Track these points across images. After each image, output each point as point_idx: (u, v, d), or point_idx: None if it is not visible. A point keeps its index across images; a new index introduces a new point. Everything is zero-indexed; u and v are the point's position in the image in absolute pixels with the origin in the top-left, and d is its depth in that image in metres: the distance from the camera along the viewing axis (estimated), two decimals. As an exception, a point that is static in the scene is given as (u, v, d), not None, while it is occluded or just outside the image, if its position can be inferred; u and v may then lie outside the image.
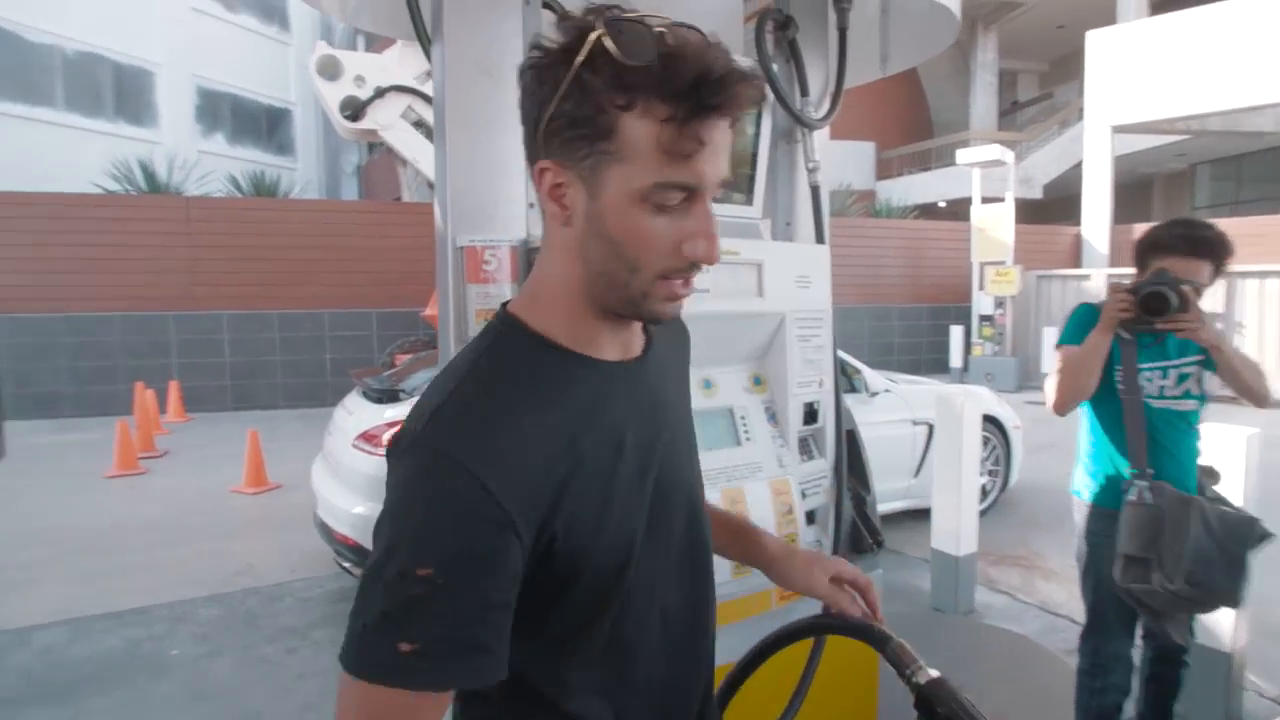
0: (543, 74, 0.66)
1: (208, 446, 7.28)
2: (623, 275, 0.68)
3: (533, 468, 0.66)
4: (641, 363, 0.80)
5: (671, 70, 0.61)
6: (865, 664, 1.90)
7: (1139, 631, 2.07)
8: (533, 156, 0.70)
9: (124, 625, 3.45)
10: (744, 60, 0.70)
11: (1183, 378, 1.92)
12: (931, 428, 4.67)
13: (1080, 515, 2.09)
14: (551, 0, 1.65)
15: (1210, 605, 1.93)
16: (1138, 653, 2.12)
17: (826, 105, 2.02)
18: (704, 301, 1.64)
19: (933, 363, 12.40)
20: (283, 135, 20.43)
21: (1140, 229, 12.39)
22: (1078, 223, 13.56)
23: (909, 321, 12.68)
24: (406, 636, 0.61)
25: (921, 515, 4.46)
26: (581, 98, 0.63)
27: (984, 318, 11.35)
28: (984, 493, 5.06)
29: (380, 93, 7.62)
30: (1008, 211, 11.01)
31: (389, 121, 7.78)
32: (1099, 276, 11.20)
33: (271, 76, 19.43)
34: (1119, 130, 12.64)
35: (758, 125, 1.86)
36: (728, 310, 1.68)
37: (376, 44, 11.28)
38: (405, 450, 0.66)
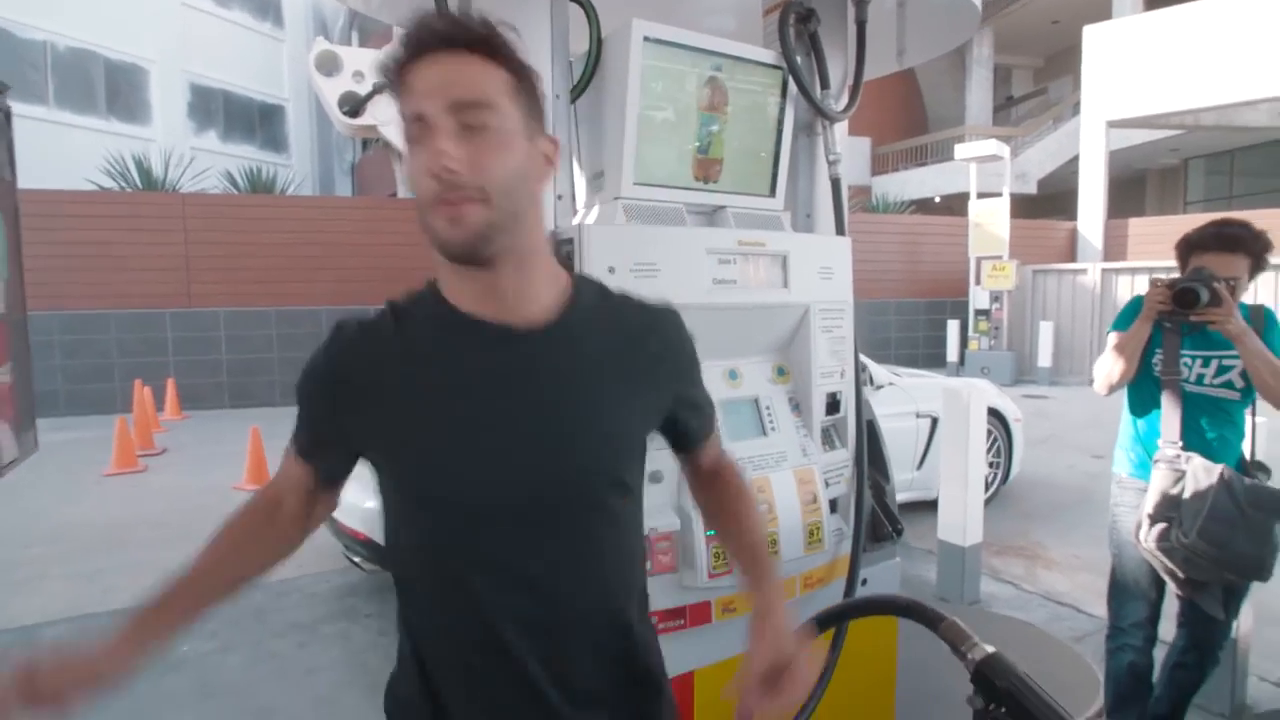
0: None
1: (206, 444, 7.25)
2: (419, 212, 0.77)
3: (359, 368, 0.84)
4: (532, 334, 0.83)
5: (404, 37, 0.77)
6: (885, 648, 1.92)
7: (1177, 620, 2.15)
8: None
9: (133, 622, 3.44)
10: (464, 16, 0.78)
11: (1224, 369, 1.99)
12: (935, 420, 4.70)
13: (1113, 489, 2.21)
14: (578, -7, 1.66)
15: (1234, 570, 1.94)
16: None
17: (846, 98, 2.03)
18: (731, 292, 1.66)
19: (929, 357, 12.46)
20: (276, 131, 20.29)
21: (1137, 223, 12.32)
22: (1072, 217, 13.63)
23: (906, 316, 12.73)
24: None
25: (924, 507, 4.49)
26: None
27: (980, 312, 11.41)
28: (986, 484, 5.10)
29: (380, 88, 7.58)
30: (1004, 206, 11.07)
31: (388, 117, 7.76)
32: (1094, 270, 11.27)
33: (264, 73, 19.30)
34: (1114, 125, 12.72)
35: (780, 117, 1.87)
36: (754, 301, 1.69)
37: (372, 39, 11.21)
38: None
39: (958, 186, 13.96)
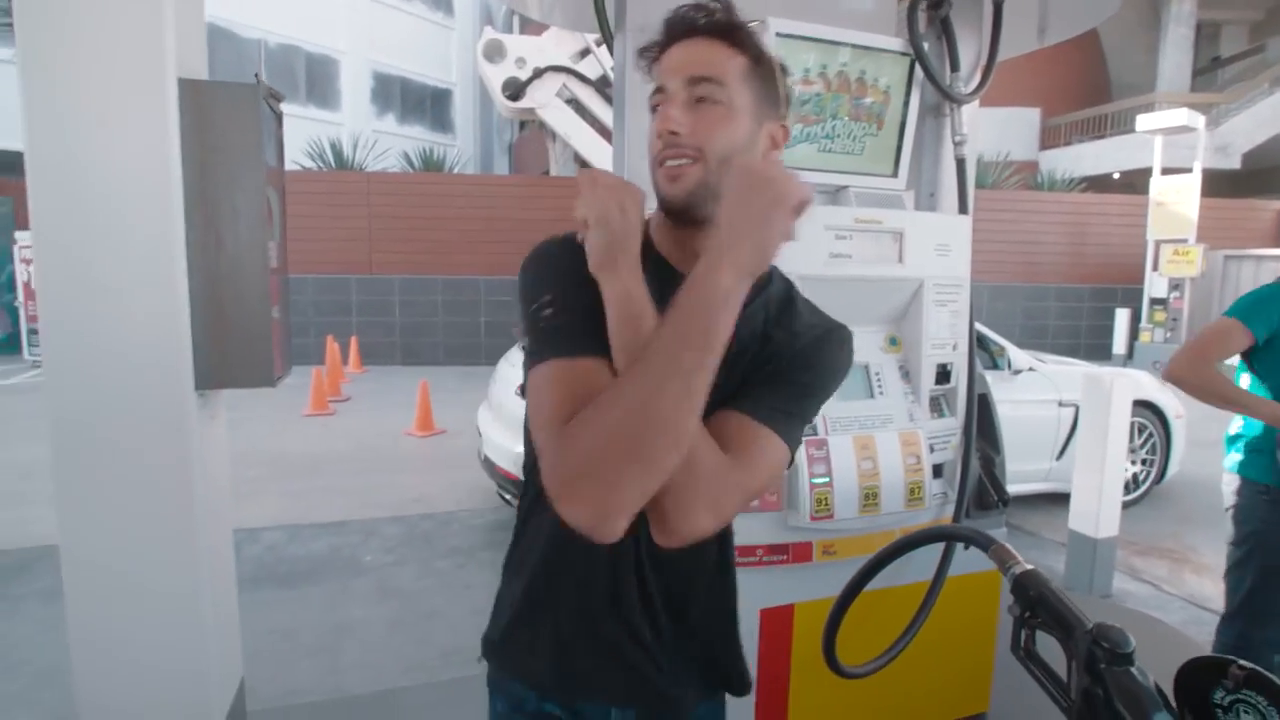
0: None
1: (382, 394, 8.24)
2: (650, 170, 0.88)
3: None
4: None
5: (664, 24, 0.87)
6: (987, 606, 2.03)
7: None
8: None
9: (328, 534, 4.14)
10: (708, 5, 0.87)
11: None
12: (1079, 410, 4.49)
13: (1234, 490, 2.08)
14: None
15: None
16: None
17: (977, 79, 2.09)
18: (846, 265, 1.82)
19: (1092, 348, 11.49)
20: (444, 114, 21.91)
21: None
22: (1285, 197, 11.96)
23: (1067, 303, 11.79)
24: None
25: (1061, 499, 4.33)
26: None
27: (1156, 301, 10.35)
28: (1136, 482, 4.81)
29: (539, 73, 8.13)
30: (1193, 184, 9.92)
31: (545, 100, 8.28)
32: (1305, 258, 9.88)
33: (435, 59, 20.87)
34: (1346, 89, 10.95)
35: (906, 100, 1.98)
36: (868, 274, 1.85)
37: (532, 27, 11.84)
38: None
39: (1141, 161, 12.60)
